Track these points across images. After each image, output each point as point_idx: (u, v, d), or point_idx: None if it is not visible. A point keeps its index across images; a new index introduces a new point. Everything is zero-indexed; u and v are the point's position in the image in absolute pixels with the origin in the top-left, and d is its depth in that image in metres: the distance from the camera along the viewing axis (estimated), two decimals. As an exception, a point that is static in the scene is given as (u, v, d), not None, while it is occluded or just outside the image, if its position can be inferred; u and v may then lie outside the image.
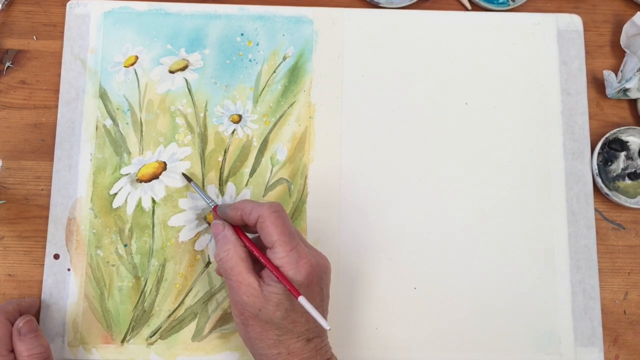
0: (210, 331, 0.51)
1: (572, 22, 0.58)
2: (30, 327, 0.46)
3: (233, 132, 0.55)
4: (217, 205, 0.49)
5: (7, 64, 0.56)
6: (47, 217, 0.53)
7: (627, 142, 0.56)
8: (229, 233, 0.45)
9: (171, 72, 0.56)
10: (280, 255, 0.43)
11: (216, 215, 0.48)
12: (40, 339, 0.46)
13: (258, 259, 0.44)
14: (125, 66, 0.56)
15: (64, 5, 0.57)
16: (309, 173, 0.54)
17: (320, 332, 0.45)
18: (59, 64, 0.56)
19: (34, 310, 0.50)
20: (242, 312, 0.43)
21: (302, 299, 0.42)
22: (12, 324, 0.47)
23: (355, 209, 0.54)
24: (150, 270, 0.52)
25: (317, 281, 0.44)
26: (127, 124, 0.55)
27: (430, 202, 0.54)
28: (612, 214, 0.55)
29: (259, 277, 0.43)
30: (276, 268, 0.43)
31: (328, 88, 0.56)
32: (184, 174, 0.53)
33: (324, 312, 0.45)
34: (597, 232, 0.54)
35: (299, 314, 0.43)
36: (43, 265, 0.52)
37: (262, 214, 0.44)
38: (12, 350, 0.46)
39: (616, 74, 0.57)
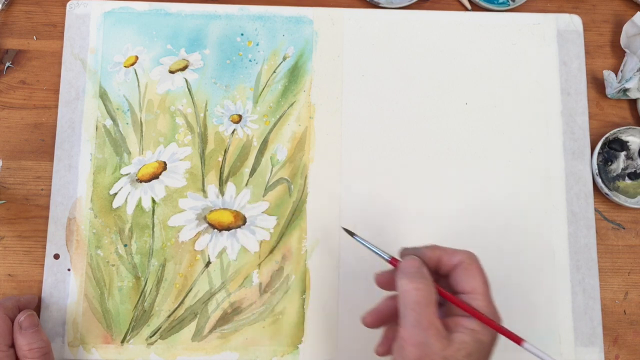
0: (210, 331, 0.51)
1: (572, 22, 0.58)
2: (32, 322, 0.47)
3: (233, 132, 0.55)
4: (393, 257, 0.44)
5: (7, 64, 0.56)
6: (47, 217, 0.53)
7: (627, 142, 0.56)
8: (426, 272, 0.42)
9: (171, 72, 0.56)
10: (481, 304, 0.40)
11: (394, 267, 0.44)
12: (41, 334, 0.47)
13: (457, 304, 0.41)
14: (125, 66, 0.56)
15: (64, 5, 0.57)
16: (309, 173, 0.54)
17: None
18: (59, 64, 0.56)
19: (32, 306, 0.50)
20: (422, 356, 0.39)
21: (527, 345, 0.39)
22: (11, 320, 0.47)
23: (356, 209, 0.54)
24: (150, 270, 0.52)
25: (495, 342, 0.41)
26: (127, 124, 0.55)
27: (430, 202, 0.54)
28: (612, 214, 0.55)
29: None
30: (487, 318, 0.40)
31: (328, 88, 0.56)
32: (344, 229, 0.47)
33: None
34: (597, 232, 0.54)
35: None
36: (43, 265, 0.52)
37: (464, 257, 0.42)
38: (12, 346, 0.46)
39: (616, 74, 0.57)
